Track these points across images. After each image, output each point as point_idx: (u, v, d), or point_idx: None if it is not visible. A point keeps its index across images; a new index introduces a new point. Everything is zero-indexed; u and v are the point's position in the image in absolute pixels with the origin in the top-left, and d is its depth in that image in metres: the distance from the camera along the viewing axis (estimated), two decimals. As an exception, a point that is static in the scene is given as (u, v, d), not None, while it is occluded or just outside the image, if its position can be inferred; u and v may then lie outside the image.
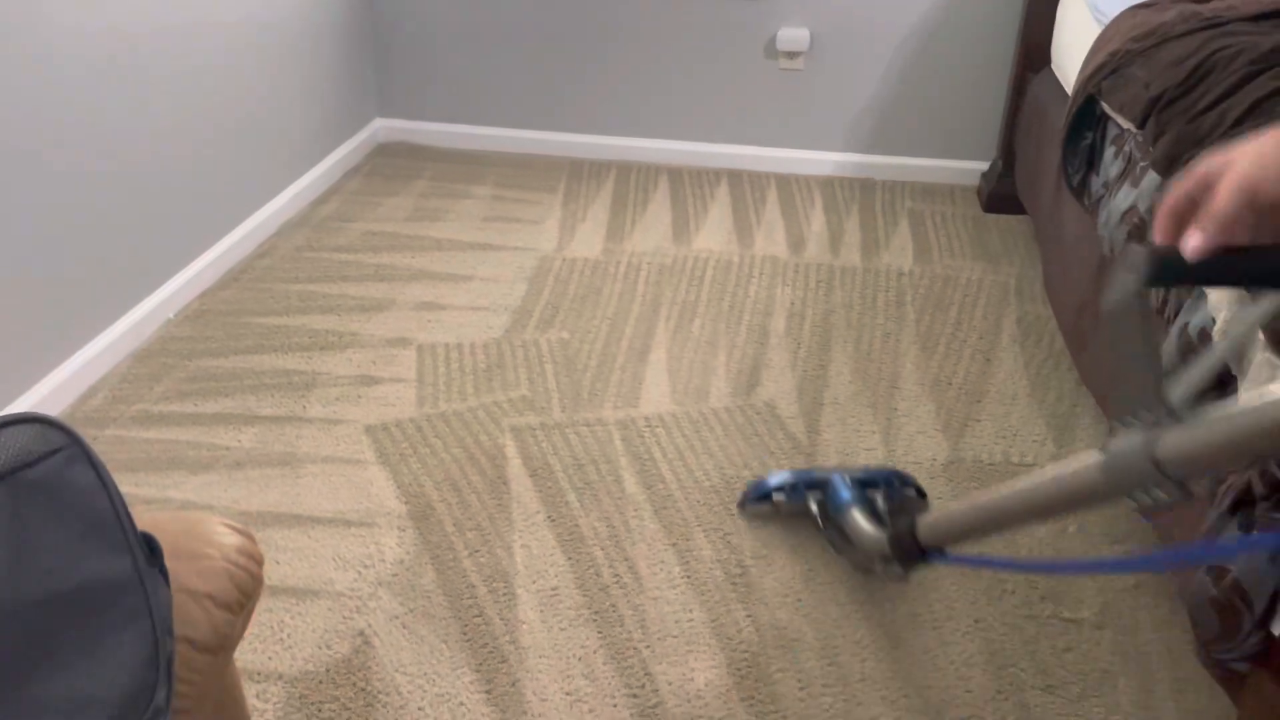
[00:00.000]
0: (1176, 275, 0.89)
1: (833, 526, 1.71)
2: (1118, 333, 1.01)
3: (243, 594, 0.91)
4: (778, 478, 1.83)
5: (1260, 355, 1.21)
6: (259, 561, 0.94)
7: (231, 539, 0.94)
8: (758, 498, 1.83)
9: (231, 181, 2.64)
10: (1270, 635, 1.20)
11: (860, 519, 1.62)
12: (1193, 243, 0.79)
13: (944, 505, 1.38)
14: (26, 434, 0.74)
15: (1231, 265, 0.85)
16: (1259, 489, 1.19)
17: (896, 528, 1.44)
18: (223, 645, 0.87)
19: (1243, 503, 1.23)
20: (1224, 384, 1.35)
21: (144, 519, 0.86)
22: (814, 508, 1.77)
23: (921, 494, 1.86)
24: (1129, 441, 0.99)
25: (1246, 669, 1.25)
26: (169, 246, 2.42)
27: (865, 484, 1.75)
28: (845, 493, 1.69)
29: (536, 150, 3.39)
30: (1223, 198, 0.78)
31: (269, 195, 2.82)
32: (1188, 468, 0.95)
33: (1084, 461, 1.06)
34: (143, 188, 2.29)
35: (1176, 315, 1.45)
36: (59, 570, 0.73)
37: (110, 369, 2.23)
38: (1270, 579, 1.18)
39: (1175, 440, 0.95)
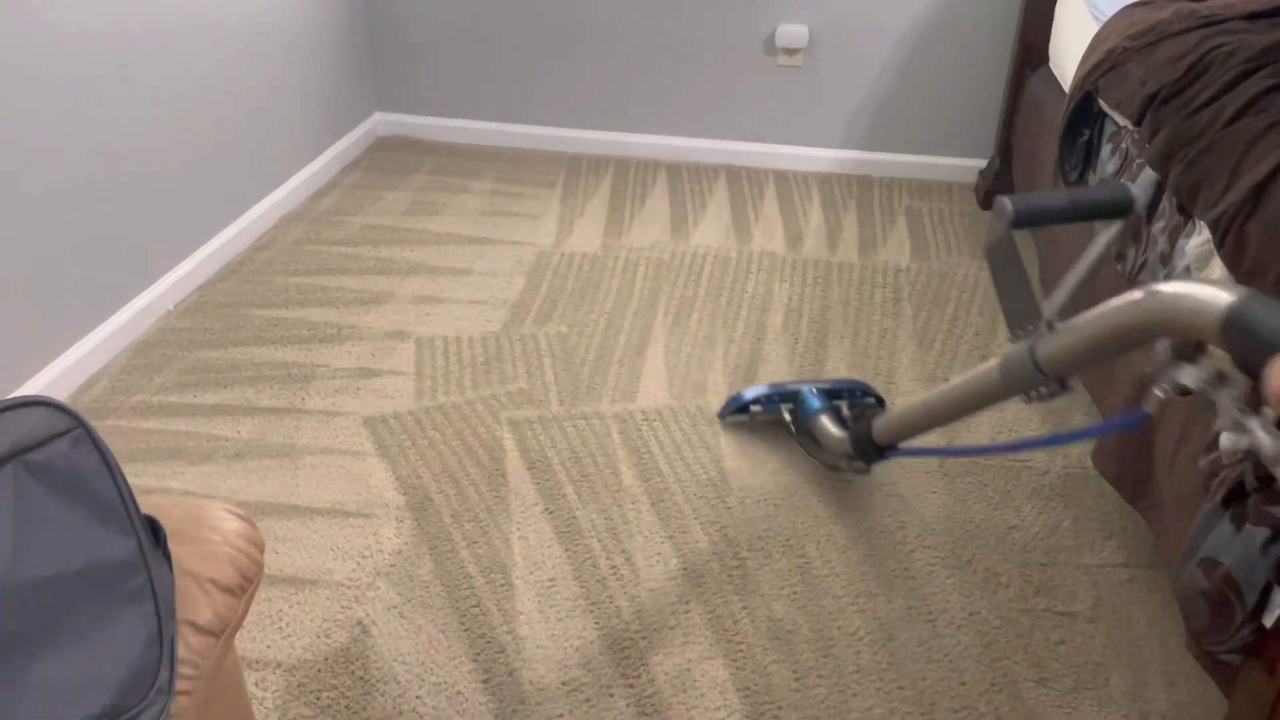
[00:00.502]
0: (1031, 220, 1.22)
1: (804, 432, 1.93)
2: (995, 265, 1.31)
3: (244, 578, 0.91)
4: (753, 391, 2.02)
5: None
6: (260, 547, 0.95)
7: (233, 524, 0.94)
8: (736, 409, 2.02)
9: (231, 175, 2.64)
10: (1262, 627, 1.21)
11: (828, 423, 1.83)
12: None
13: (892, 408, 1.63)
14: (33, 417, 0.74)
15: (1067, 212, 1.28)
16: (1251, 482, 1.20)
17: (856, 429, 1.70)
18: (224, 628, 0.88)
19: (1235, 496, 1.24)
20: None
21: (147, 503, 0.86)
22: (787, 416, 1.99)
23: (880, 402, 2.05)
24: (1017, 349, 1.26)
25: (1238, 661, 1.26)
26: (168, 239, 2.42)
27: (831, 394, 1.97)
28: (814, 402, 1.91)
29: (535, 145, 3.40)
30: None
31: (268, 189, 2.82)
32: (1060, 366, 1.20)
33: (987, 366, 1.34)
34: (142, 181, 2.30)
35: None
36: (64, 551, 0.74)
37: (110, 360, 2.23)
38: (1262, 571, 1.19)
39: (1049, 344, 1.21)
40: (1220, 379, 1.02)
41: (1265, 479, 1.19)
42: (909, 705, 1.48)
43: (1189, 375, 1.02)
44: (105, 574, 0.76)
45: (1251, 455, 1.22)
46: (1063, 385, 1.23)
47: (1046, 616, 1.63)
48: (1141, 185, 1.63)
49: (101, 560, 0.76)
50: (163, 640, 0.80)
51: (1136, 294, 1.05)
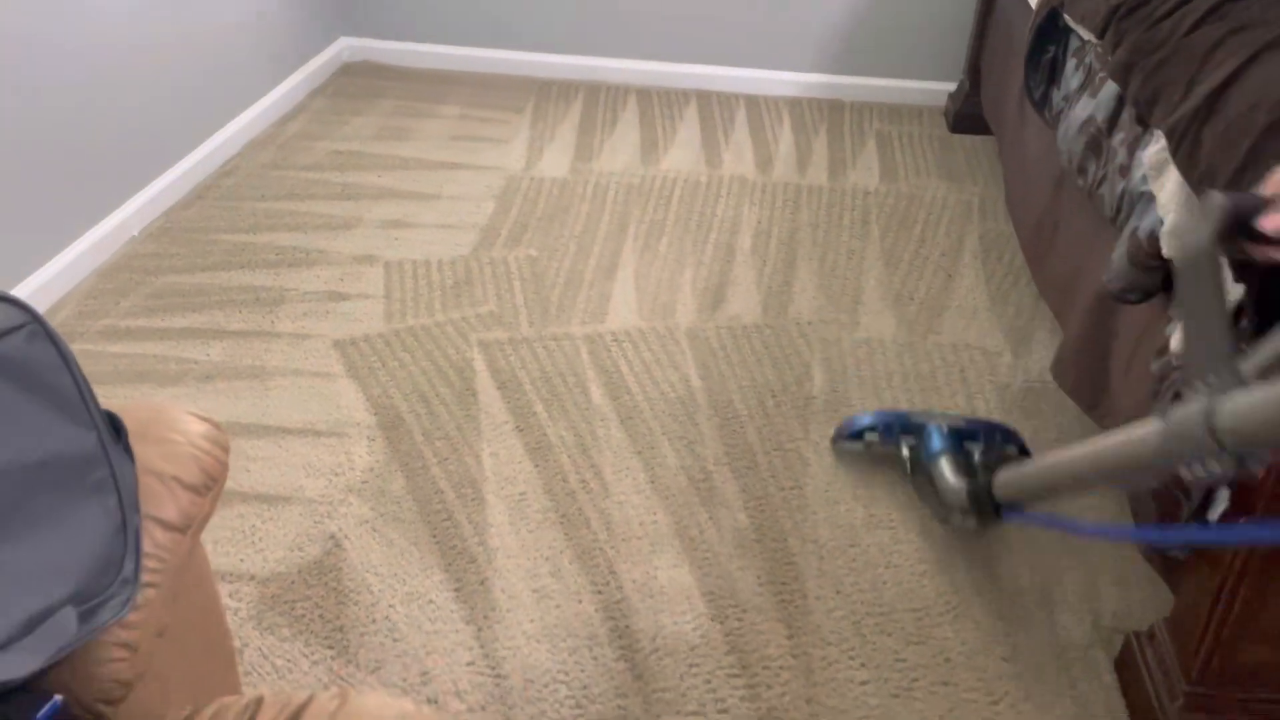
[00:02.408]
0: (1251, 234, 0.87)
1: (921, 474, 1.67)
2: (1187, 285, 0.97)
3: (209, 477, 0.93)
4: (871, 417, 1.79)
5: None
6: (225, 448, 0.96)
7: (197, 426, 0.95)
8: (850, 435, 1.80)
9: (195, 98, 2.60)
10: (1208, 524, 1.25)
11: (946, 469, 1.59)
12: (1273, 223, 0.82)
13: (1023, 463, 1.40)
14: (-13, 310, 0.75)
15: None
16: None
17: (975, 481, 1.47)
18: (190, 524, 0.90)
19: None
20: None
21: (108, 404, 0.87)
22: (905, 453, 1.73)
23: (1025, 451, 1.76)
24: (1189, 408, 0.95)
25: (1184, 557, 1.31)
26: (132, 163, 2.39)
27: (963, 435, 1.70)
28: (938, 442, 1.66)
29: (504, 70, 3.35)
30: None
31: (233, 113, 2.78)
32: (1244, 440, 0.90)
33: (1146, 427, 1.02)
34: (104, 103, 2.26)
35: (1128, 218, 1.48)
36: (24, 442, 0.75)
37: (75, 285, 2.22)
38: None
39: (1234, 409, 0.90)
40: None
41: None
42: (869, 607, 1.53)
43: None
44: (66, 466, 0.77)
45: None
46: (1240, 464, 0.93)
47: (1007, 526, 1.67)
48: None
49: (62, 453, 0.77)
50: (126, 532, 0.81)
51: None
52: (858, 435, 1.79)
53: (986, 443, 1.71)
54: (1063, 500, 1.46)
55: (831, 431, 1.85)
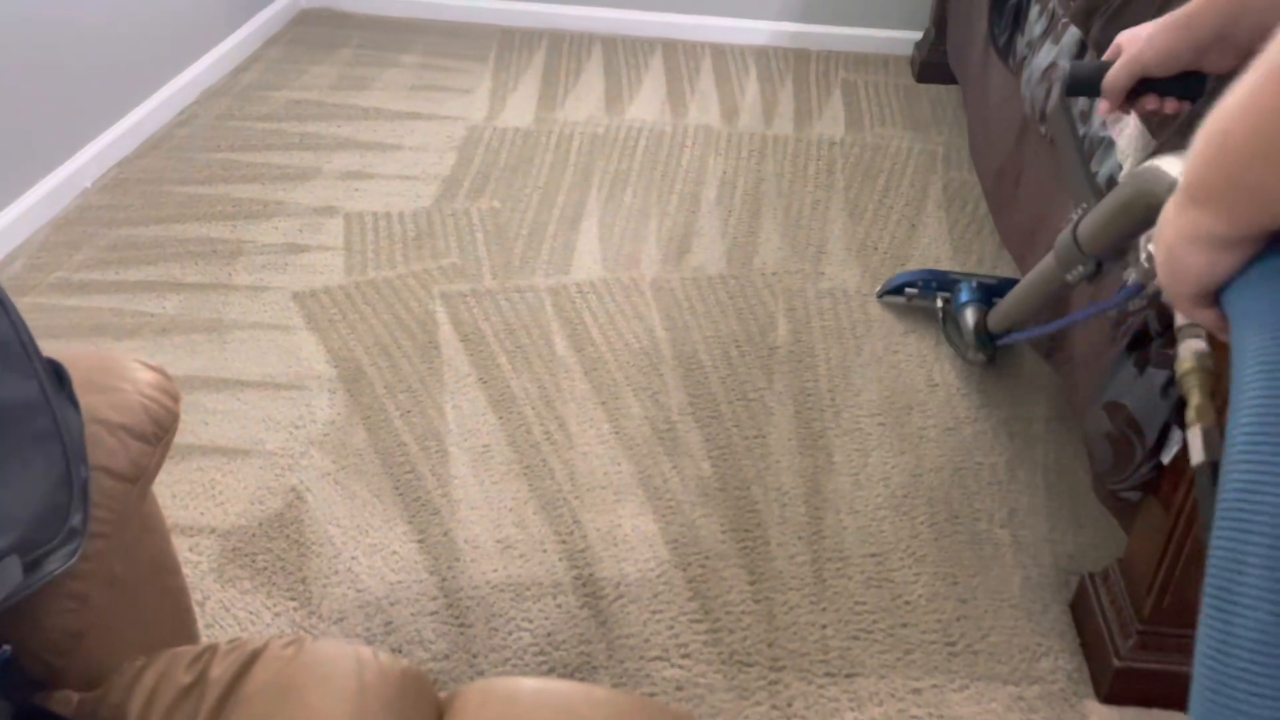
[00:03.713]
0: (1087, 90, 1.09)
1: (951, 322, 1.92)
2: (1054, 131, 1.24)
3: (159, 427, 0.91)
4: (912, 274, 2.01)
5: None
6: (175, 397, 0.94)
7: (145, 374, 0.94)
8: (892, 289, 2.02)
9: (148, 45, 2.53)
10: (1160, 465, 1.27)
11: (969, 316, 1.84)
12: (1100, 108, 1.09)
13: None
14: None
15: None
16: (1154, 327, 1.24)
17: (976, 321, 1.80)
18: (140, 475, 0.88)
19: (1138, 342, 1.29)
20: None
21: (52, 353, 0.85)
22: (939, 304, 1.97)
23: None
24: (1065, 229, 1.20)
25: (1138, 498, 1.33)
26: (83, 113, 2.33)
27: (994, 291, 1.87)
28: (966, 295, 1.88)
29: (466, 18, 3.29)
30: (1117, 71, 1.02)
31: (187, 61, 2.72)
32: (1093, 244, 1.16)
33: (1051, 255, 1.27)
34: (52, 50, 2.20)
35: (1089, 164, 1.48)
36: (-37, 390, 0.73)
37: (27, 237, 2.17)
38: (1161, 411, 1.24)
39: (1086, 220, 1.15)
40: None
41: (1167, 324, 1.23)
42: (830, 553, 1.54)
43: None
44: (6, 415, 0.75)
45: (1155, 302, 1.26)
46: (1099, 266, 1.20)
47: (965, 469, 1.69)
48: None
49: (1, 402, 0.75)
50: (72, 482, 0.80)
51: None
52: (898, 290, 2.01)
53: None
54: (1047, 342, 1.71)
55: (795, 380, 1.85)
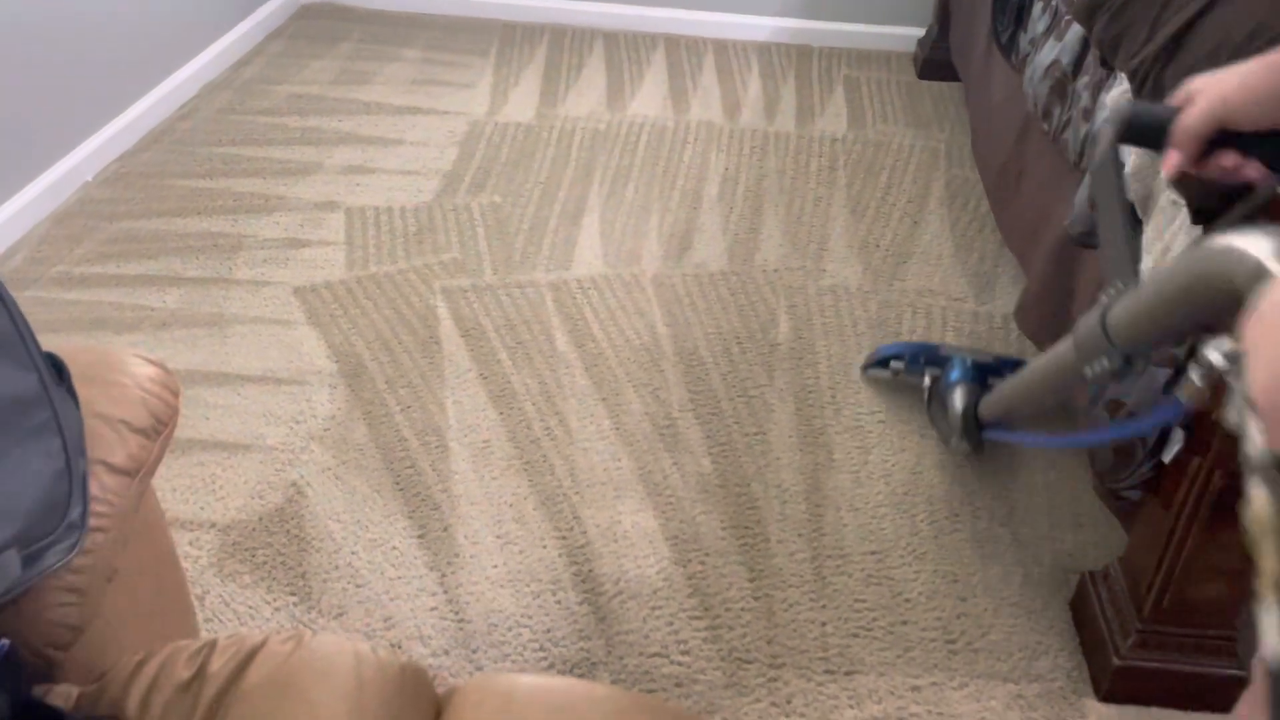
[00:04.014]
0: (1147, 138, 0.89)
1: (937, 403, 1.71)
2: (1096, 191, 1.00)
3: (158, 421, 0.91)
4: (898, 347, 1.83)
5: (1164, 195, 1.24)
6: (174, 391, 0.94)
7: (145, 369, 0.94)
8: (877, 362, 1.84)
9: (148, 40, 2.53)
10: (1161, 464, 1.27)
11: (957, 397, 1.62)
12: (1169, 161, 0.88)
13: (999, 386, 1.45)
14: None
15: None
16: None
17: (965, 405, 1.53)
18: (139, 468, 0.88)
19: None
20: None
21: (52, 347, 0.85)
22: (926, 382, 1.77)
23: None
24: (1092, 312, 0.95)
25: (1139, 497, 1.33)
26: (84, 106, 2.33)
27: (989, 370, 1.69)
28: (956, 373, 1.68)
29: (468, 12, 3.29)
30: (1195, 116, 0.85)
31: (188, 56, 2.71)
32: (1123, 336, 0.92)
33: (1065, 344, 1.01)
34: (54, 44, 2.19)
35: (1091, 162, 1.48)
36: (-38, 384, 0.73)
37: (28, 231, 2.17)
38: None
39: (1121, 307, 0.91)
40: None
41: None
42: (830, 550, 1.54)
43: (1217, 350, 0.65)
44: (4, 409, 0.75)
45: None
46: (1128, 362, 0.95)
47: (965, 466, 1.69)
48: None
49: (0, 395, 0.75)
50: (72, 476, 0.80)
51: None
52: (884, 363, 1.83)
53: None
54: (1044, 422, 1.63)
55: (796, 377, 1.85)
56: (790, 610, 1.45)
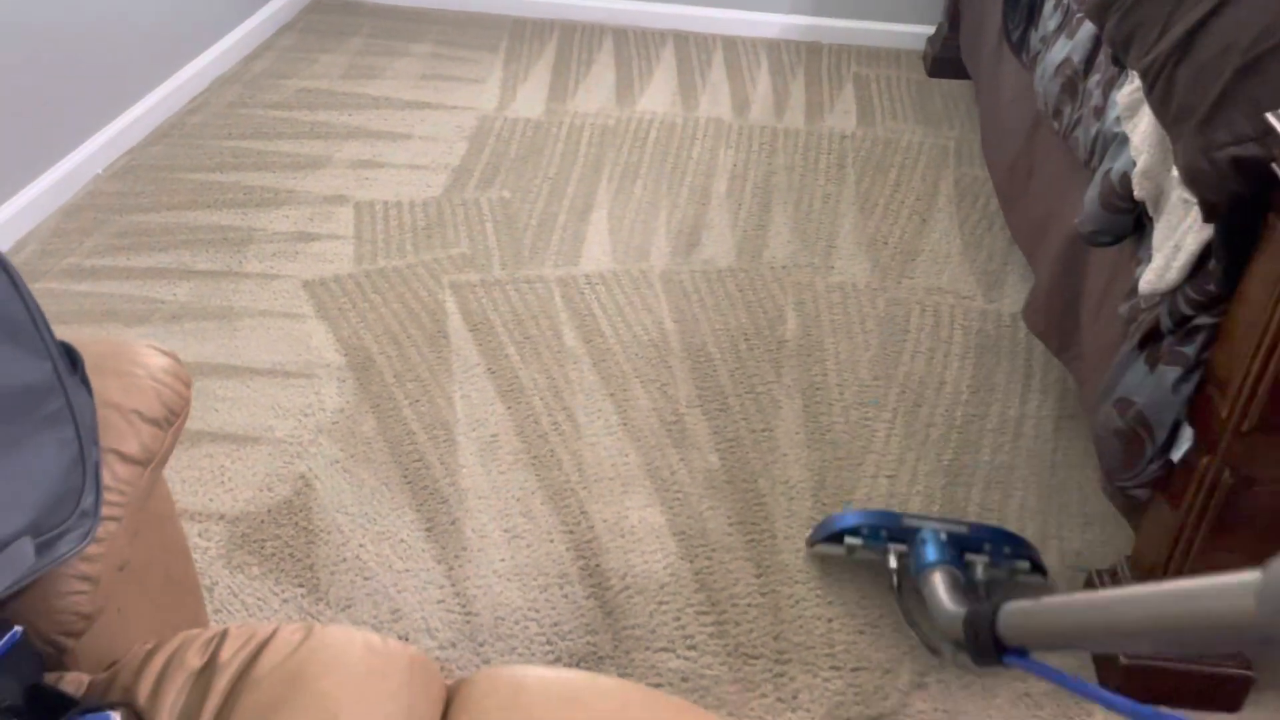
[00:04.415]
0: None
1: (910, 590, 1.43)
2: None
3: (170, 411, 0.92)
4: (855, 517, 1.49)
5: (1175, 194, 1.24)
6: (186, 382, 0.95)
7: (158, 359, 0.94)
8: (827, 537, 1.50)
9: (160, 33, 2.54)
10: (1170, 462, 1.26)
11: (941, 588, 1.33)
12: None
13: (1046, 594, 1.04)
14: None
15: None
16: (1166, 323, 1.24)
17: (977, 610, 1.06)
18: (151, 458, 0.89)
19: (1151, 338, 1.28)
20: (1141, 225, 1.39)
21: (65, 337, 0.86)
22: (892, 563, 1.45)
23: (1041, 570, 1.48)
24: None
25: (1147, 495, 1.33)
26: (94, 100, 2.34)
27: (964, 544, 1.44)
28: (932, 552, 1.39)
29: (477, 8, 3.29)
30: None
31: (198, 50, 2.72)
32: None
33: (1237, 579, 0.71)
34: (64, 37, 2.20)
35: (1101, 161, 1.48)
36: (-24, 372, 0.73)
37: (38, 224, 2.18)
38: (1172, 409, 1.24)
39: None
40: None
41: (1180, 320, 1.22)
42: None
43: None
44: (19, 396, 0.76)
45: (1167, 298, 1.25)
46: None
47: (972, 464, 1.69)
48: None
49: (14, 383, 0.76)
50: (85, 465, 0.80)
51: None
52: (836, 537, 1.49)
53: (993, 555, 1.45)
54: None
55: (804, 373, 1.85)
56: (797, 606, 1.45)
